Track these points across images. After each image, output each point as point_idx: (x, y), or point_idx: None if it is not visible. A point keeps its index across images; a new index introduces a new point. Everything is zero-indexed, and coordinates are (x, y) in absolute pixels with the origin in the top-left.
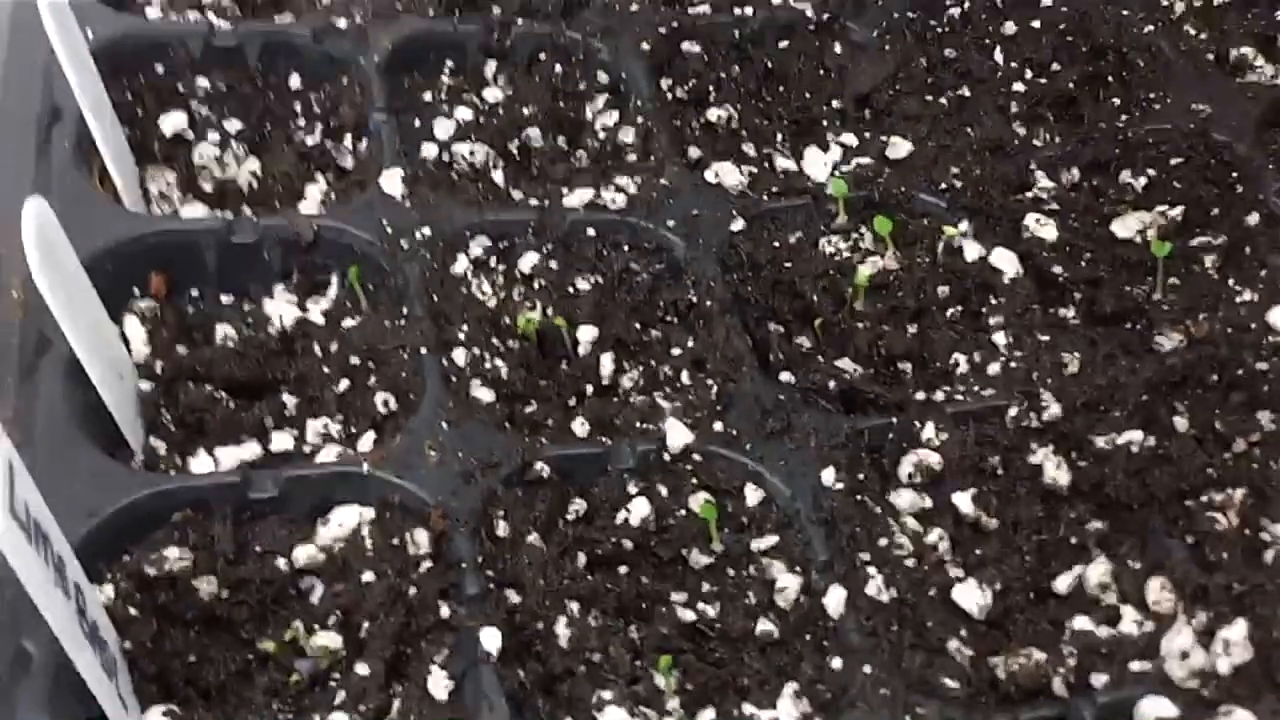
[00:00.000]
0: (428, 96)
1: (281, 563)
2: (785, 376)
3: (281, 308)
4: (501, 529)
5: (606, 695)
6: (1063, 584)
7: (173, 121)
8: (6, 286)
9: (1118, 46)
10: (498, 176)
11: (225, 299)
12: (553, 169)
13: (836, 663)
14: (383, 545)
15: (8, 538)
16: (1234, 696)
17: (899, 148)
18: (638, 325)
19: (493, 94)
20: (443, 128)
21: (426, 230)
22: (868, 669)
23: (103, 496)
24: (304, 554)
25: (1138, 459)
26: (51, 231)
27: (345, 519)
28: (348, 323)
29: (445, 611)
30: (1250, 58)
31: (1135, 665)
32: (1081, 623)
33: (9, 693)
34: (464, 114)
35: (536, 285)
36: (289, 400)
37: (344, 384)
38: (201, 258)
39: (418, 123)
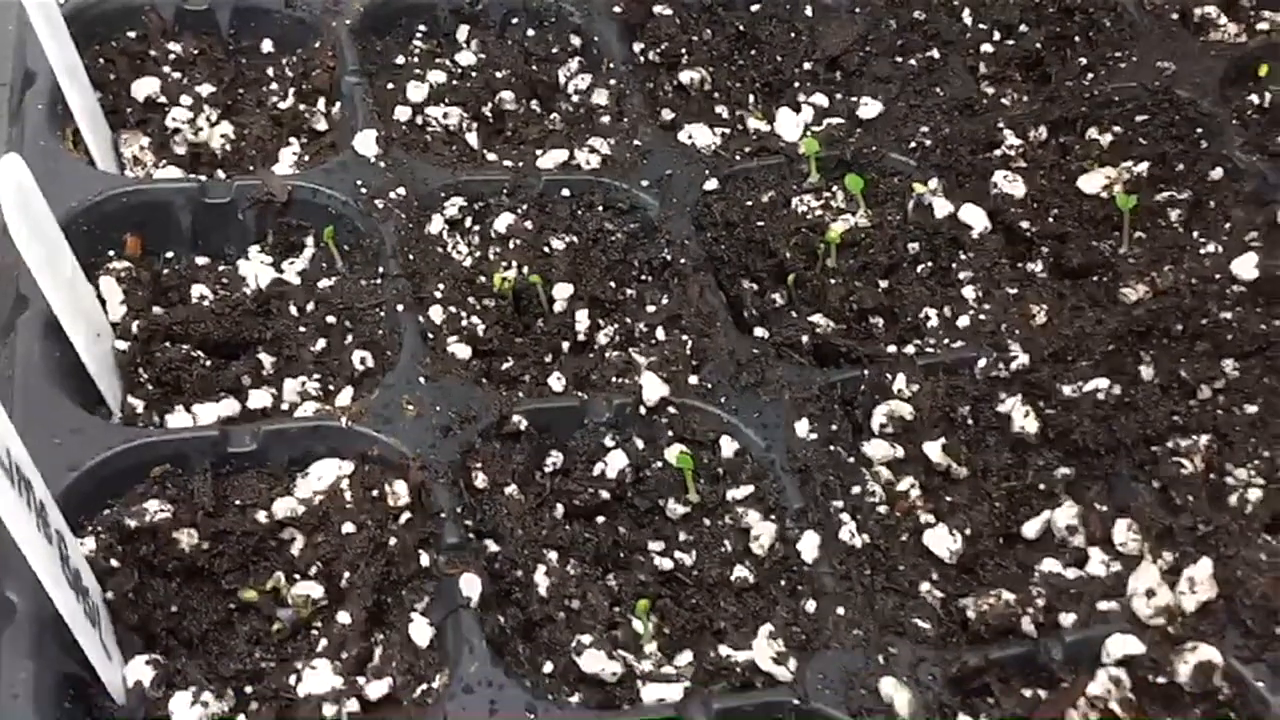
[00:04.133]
0: (400, 60)
1: (261, 515)
2: (759, 332)
3: (257, 268)
4: (480, 480)
5: (585, 640)
6: (1031, 529)
7: (145, 86)
8: None
9: (1084, 7)
10: (471, 139)
11: (200, 260)
12: (526, 131)
13: (810, 606)
14: (362, 497)
15: None
16: (1199, 633)
17: (869, 108)
18: (613, 284)
19: (465, 57)
20: (416, 91)
21: (401, 191)
22: (841, 611)
23: (82, 450)
24: (283, 507)
25: (1104, 406)
26: (28, 189)
27: (324, 472)
28: (324, 283)
29: (425, 560)
30: (1214, 16)
31: (1102, 605)
32: (1050, 565)
33: None
34: (437, 77)
35: (512, 245)
36: (266, 359)
37: (321, 343)
38: (176, 218)
39: (390, 86)
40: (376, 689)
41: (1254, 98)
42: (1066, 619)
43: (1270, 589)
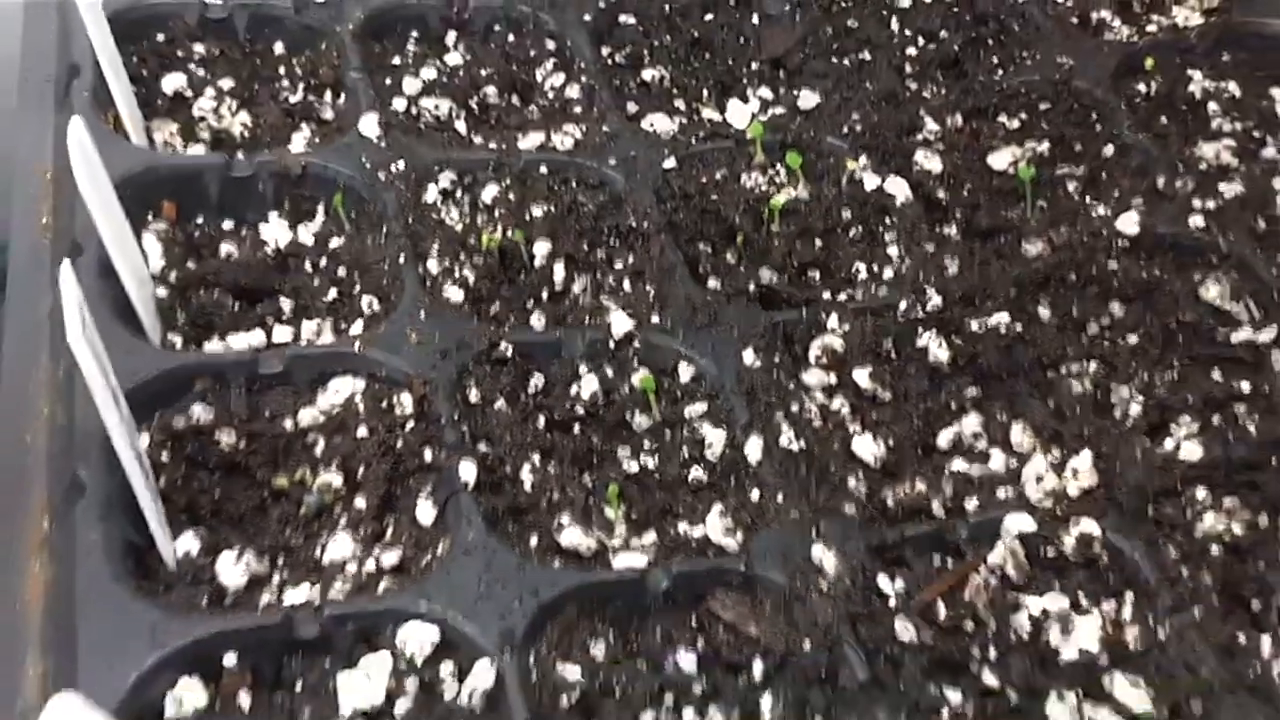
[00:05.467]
0: (396, 60)
1: (288, 423)
2: (712, 284)
3: (276, 231)
4: (473, 396)
5: (565, 520)
6: (944, 440)
7: (173, 81)
8: (37, 213)
9: (996, 14)
10: (460, 126)
11: (226, 225)
12: (508, 119)
13: (755, 495)
14: (373, 408)
15: (82, 351)
16: (1082, 512)
17: (808, 100)
18: (585, 246)
19: (453, 59)
20: (410, 85)
21: (400, 165)
22: (780, 499)
23: (135, 367)
24: (307, 416)
25: (1006, 338)
26: (88, 147)
27: (341, 388)
28: (334, 242)
29: (428, 456)
30: (1108, 20)
31: (1001, 493)
32: (958, 464)
33: (67, 511)
34: (429, 74)
35: (497, 214)
36: (286, 305)
37: (333, 292)
38: (205, 189)
39: (388, 81)
40: (389, 558)
41: (1141, 87)
42: (970, 504)
43: (1144, 478)
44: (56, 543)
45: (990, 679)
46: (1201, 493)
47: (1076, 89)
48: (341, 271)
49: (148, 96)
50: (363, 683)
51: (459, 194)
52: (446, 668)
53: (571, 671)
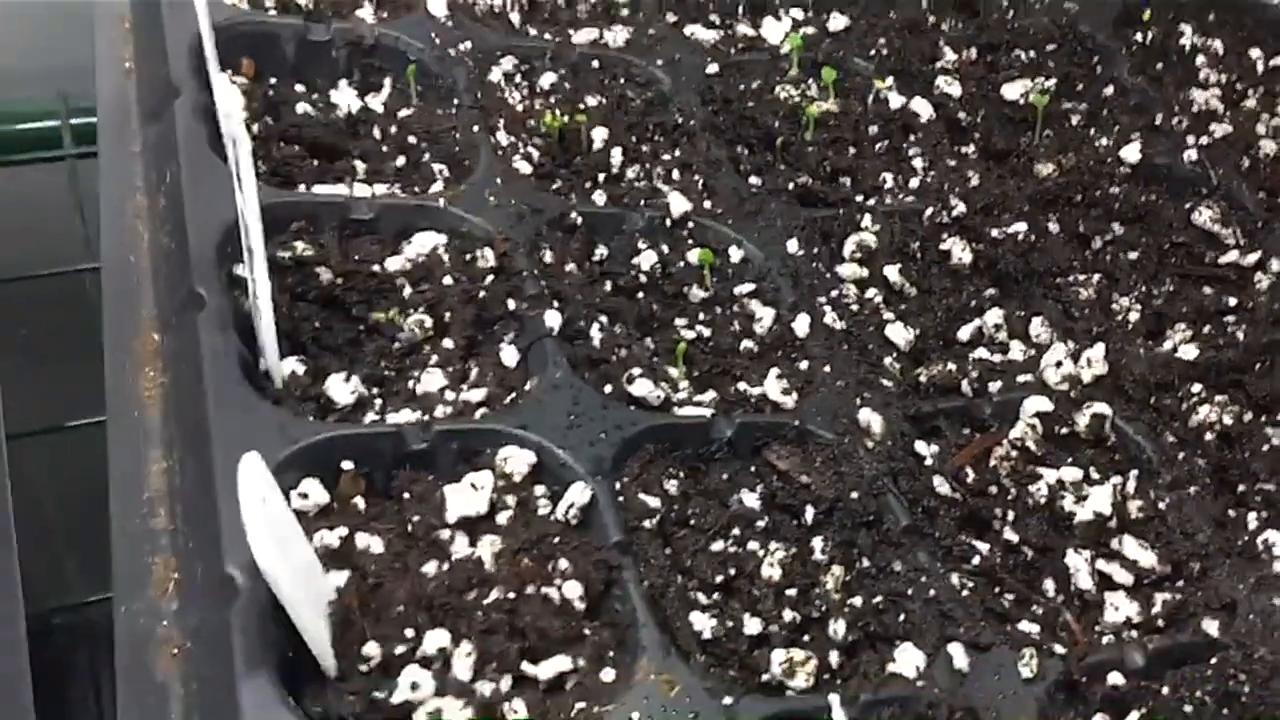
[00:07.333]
0: None
1: (376, 269)
2: (754, 181)
3: (347, 97)
4: (548, 257)
5: (636, 372)
6: (965, 333)
7: None
8: (120, 59)
9: None
10: (514, 19)
11: (299, 88)
12: (559, 17)
13: (804, 365)
14: (457, 260)
15: (236, 153)
16: (1093, 397)
17: (838, 21)
18: (634, 139)
19: None
20: None
21: (468, 44)
22: (827, 369)
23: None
24: (394, 263)
25: (1023, 244)
26: None
27: (426, 241)
28: (403, 112)
29: (511, 305)
30: None
31: (1021, 378)
32: (981, 353)
33: (190, 321)
34: None
35: (553, 100)
36: (359, 167)
37: (401, 160)
38: (282, 50)
39: None
40: (475, 395)
41: (1139, 35)
42: (994, 386)
43: (1147, 371)
44: (169, 352)
45: (1011, 536)
46: (1196, 388)
47: (1080, 33)
48: (411, 139)
49: None
50: (469, 493)
51: (519, 78)
52: (540, 489)
53: (652, 500)
